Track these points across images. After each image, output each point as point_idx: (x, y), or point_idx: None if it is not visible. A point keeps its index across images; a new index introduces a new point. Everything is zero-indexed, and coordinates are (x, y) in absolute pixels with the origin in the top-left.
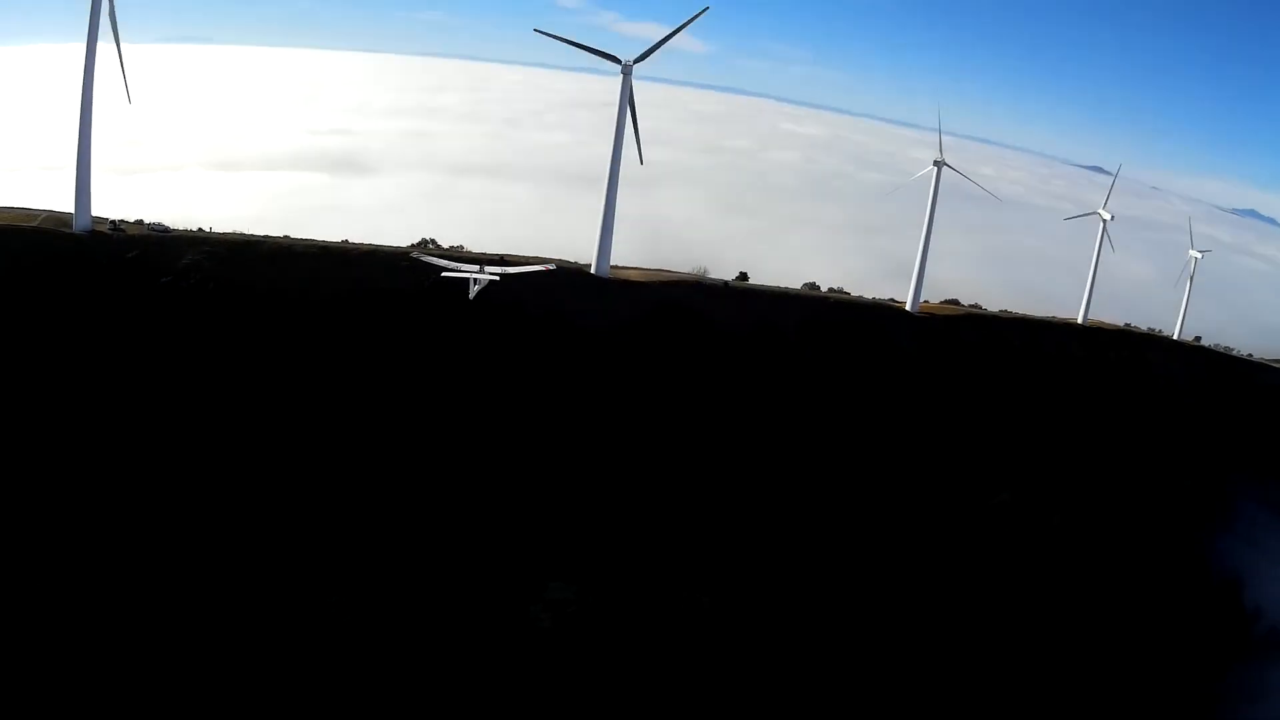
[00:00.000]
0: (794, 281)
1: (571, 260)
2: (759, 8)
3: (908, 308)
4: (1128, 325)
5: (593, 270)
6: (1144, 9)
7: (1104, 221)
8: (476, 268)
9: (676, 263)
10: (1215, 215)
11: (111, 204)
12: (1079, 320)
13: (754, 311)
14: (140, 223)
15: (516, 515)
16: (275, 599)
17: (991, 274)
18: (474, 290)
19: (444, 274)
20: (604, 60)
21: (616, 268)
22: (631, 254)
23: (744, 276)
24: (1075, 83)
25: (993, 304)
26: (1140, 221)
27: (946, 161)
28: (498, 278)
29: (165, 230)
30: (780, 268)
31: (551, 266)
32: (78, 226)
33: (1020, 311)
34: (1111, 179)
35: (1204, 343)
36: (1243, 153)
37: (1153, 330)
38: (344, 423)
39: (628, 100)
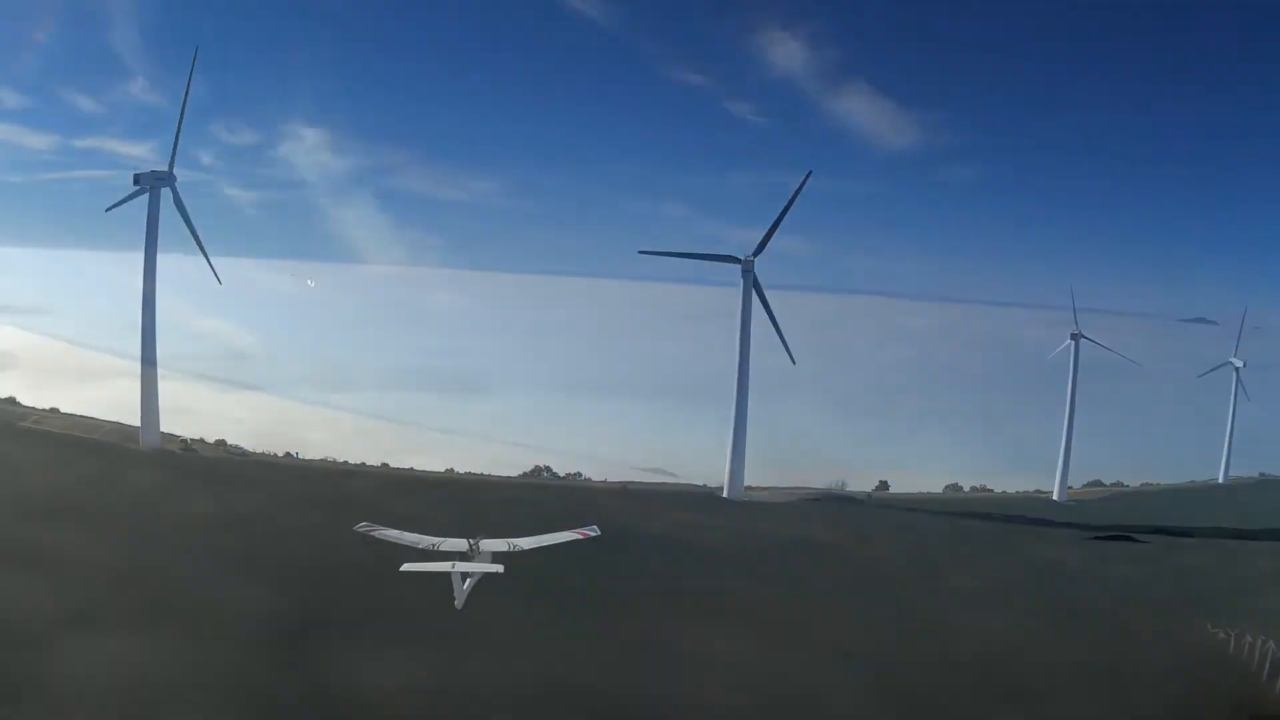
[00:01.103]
0: (935, 484)
1: (700, 484)
2: (860, 206)
3: (1055, 497)
4: (1263, 474)
5: (725, 494)
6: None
7: (1236, 370)
8: (462, 549)
9: (811, 475)
10: None
11: (203, 422)
12: (1220, 480)
13: (898, 527)
14: (222, 444)
15: None
16: None
17: (1118, 442)
18: (462, 595)
19: (403, 568)
20: (715, 268)
21: (750, 488)
22: (762, 468)
23: (884, 485)
24: (1169, 237)
25: (1132, 477)
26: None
27: (1085, 334)
28: (499, 569)
29: (244, 454)
30: (917, 468)
31: (594, 532)
32: (144, 444)
33: (1162, 481)
34: (1218, 327)
35: None
36: None
37: None
38: None
39: (755, 295)
